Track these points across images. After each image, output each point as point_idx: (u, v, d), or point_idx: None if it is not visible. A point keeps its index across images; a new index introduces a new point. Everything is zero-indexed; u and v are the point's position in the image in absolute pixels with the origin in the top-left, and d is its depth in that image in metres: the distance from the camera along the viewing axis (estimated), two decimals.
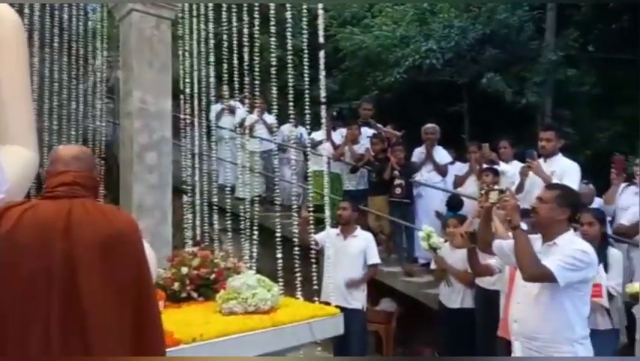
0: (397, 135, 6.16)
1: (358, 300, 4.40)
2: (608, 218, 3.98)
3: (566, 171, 3.90)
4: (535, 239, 2.62)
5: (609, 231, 3.83)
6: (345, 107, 9.39)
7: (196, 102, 4.06)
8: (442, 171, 5.82)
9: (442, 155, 5.97)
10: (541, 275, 2.47)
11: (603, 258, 3.34)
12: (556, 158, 4.09)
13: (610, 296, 3.34)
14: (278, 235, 3.28)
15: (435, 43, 8.46)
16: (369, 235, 4.59)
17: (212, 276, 3.03)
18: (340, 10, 10.39)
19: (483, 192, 2.80)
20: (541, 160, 4.07)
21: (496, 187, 2.83)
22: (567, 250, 2.49)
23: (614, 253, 3.55)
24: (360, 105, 6.99)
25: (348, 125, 6.23)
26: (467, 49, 8.58)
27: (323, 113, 3.16)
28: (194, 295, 2.98)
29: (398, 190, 5.38)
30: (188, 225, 3.83)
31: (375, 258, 4.47)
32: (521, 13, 8.62)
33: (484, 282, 3.91)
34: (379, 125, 6.32)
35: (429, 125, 6.13)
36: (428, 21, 9.18)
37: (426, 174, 5.81)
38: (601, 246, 3.32)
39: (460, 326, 4.20)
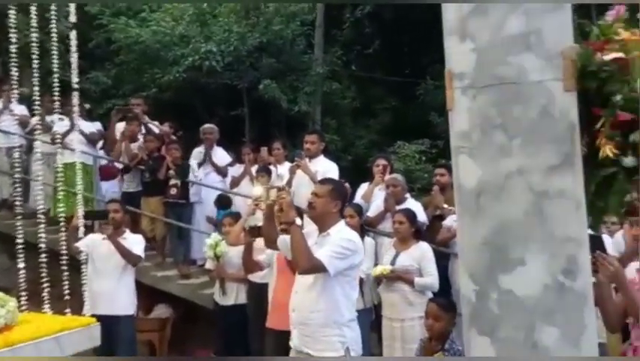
0: (170, 133, 6.00)
1: (125, 307, 4.15)
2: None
3: (327, 170, 4.43)
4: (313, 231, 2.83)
5: None
6: (120, 103, 8.78)
7: None
8: (221, 171, 5.94)
9: (220, 156, 6.08)
10: (313, 267, 2.64)
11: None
12: (319, 159, 4.62)
13: (360, 279, 3.88)
14: (20, 241, 2.84)
15: (215, 46, 8.58)
16: (138, 237, 4.38)
17: None
18: None
19: (264, 191, 2.87)
20: (307, 160, 4.54)
21: (275, 185, 2.93)
22: (336, 240, 2.70)
23: (368, 241, 4.17)
24: (129, 102, 6.66)
25: (127, 122, 5.84)
26: (246, 55, 8.93)
27: (75, 100, 2.90)
28: None
29: (174, 191, 5.25)
30: None
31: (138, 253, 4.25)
32: (294, 27, 9.36)
33: (255, 276, 4.12)
34: (155, 123, 6.09)
35: (207, 125, 6.18)
36: (208, 23, 9.25)
37: (204, 175, 5.84)
38: (359, 235, 3.84)
39: (234, 322, 4.32)
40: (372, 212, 4.56)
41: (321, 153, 4.64)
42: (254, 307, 4.17)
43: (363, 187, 4.83)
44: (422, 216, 4.35)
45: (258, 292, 4.08)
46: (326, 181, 3.17)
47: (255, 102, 9.28)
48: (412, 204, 4.46)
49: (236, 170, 6.00)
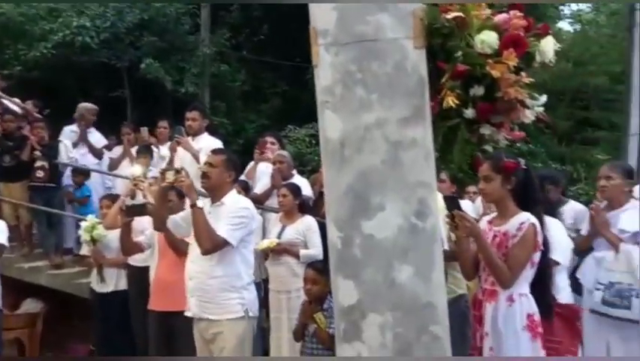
0: (33, 111, 5.45)
1: None
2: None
3: (211, 148, 4.33)
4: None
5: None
6: None
7: None
8: (96, 153, 5.54)
9: (96, 137, 5.68)
10: (217, 246, 2.71)
11: None
12: (203, 136, 4.50)
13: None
14: None
15: (88, 21, 7.94)
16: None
17: None
18: None
19: (159, 172, 2.86)
20: (189, 138, 4.40)
21: (173, 167, 2.90)
22: (232, 210, 2.78)
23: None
24: None
25: None
26: (125, 32, 8.39)
27: None
28: None
29: (40, 173, 4.77)
30: None
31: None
32: (178, 5, 8.98)
33: (135, 260, 3.94)
34: (15, 100, 5.47)
35: (84, 104, 5.74)
36: None
37: (80, 157, 5.42)
38: None
39: (114, 309, 4.10)
40: (259, 189, 4.57)
41: (204, 130, 4.53)
42: (135, 291, 3.98)
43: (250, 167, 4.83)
44: (307, 191, 4.45)
45: (139, 276, 3.90)
46: (219, 151, 3.20)
47: (138, 83, 8.78)
48: (298, 180, 4.55)
49: (117, 153, 5.66)
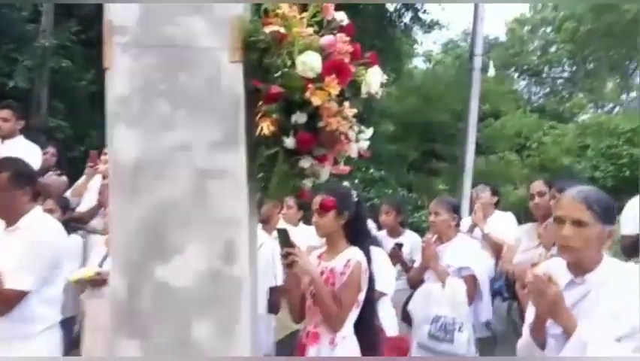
0: None
1: None
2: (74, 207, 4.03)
3: (25, 154, 3.63)
4: None
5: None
6: None
7: None
8: None
9: None
10: (9, 303, 2.15)
11: None
12: (17, 140, 3.79)
13: None
14: None
15: None
16: None
17: None
18: None
19: None
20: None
21: None
22: (28, 240, 2.19)
23: (75, 240, 3.59)
24: None
25: None
26: None
27: None
28: None
29: None
30: None
31: None
32: None
33: None
34: None
35: None
36: None
37: None
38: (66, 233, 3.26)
39: None
40: (84, 206, 3.97)
41: (18, 132, 3.81)
42: None
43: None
44: None
45: None
46: (5, 163, 2.53)
47: None
48: None
49: None
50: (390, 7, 9.80)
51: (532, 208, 3.20)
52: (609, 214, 1.65)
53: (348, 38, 1.44)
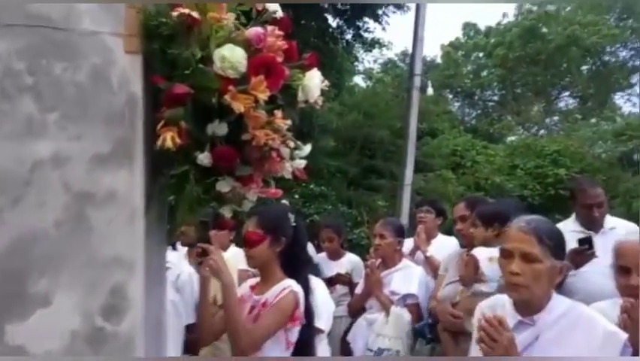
0: None
1: None
2: None
3: None
4: None
5: None
6: None
7: None
8: None
9: None
10: None
11: None
12: None
13: None
14: None
15: None
16: None
17: None
18: None
19: None
20: None
21: None
22: None
23: None
24: None
25: None
26: None
27: None
28: None
29: None
30: None
31: None
32: None
33: None
34: None
35: None
36: None
37: None
38: None
39: None
40: None
41: None
42: None
43: None
44: None
45: None
46: None
47: None
48: None
49: None
50: (333, 23, 9.72)
51: (456, 234, 2.91)
52: (561, 248, 1.49)
53: (282, 33, 1.16)
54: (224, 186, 1.10)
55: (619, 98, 21.52)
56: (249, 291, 1.96)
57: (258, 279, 2.00)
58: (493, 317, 1.41)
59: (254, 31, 1.10)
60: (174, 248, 2.85)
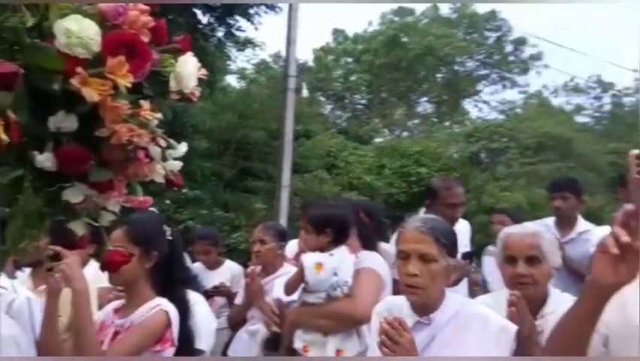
0: None
1: None
2: None
3: None
4: None
5: None
6: None
7: None
8: None
9: None
10: None
11: None
12: None
13: None
14: None
15: None
16: None
17: None
18: None
19: None
20: None
21: None
22: None
23: None
24: None
25: None
26: None
27: None
28: None
29: None
30: None
31: None
32: None
33: None
34: None
35: None
36: None
37: None
38: None
39: None
40: None
41: None
42: None
43: None
44: None
45: None
46: None
47: None
48: None
49: None
50: (203, 19, 9.34)
51: None
52: (454, 246, 1.52)
53: (147, 8, 0.96)
54: (73, 195, 0.87)
55: (467, 104, 24.16)
56: (112, 315, 1.70)
57: (122, 301, 1.74)
58: (394, 318, 1.38)
59: (112, 5, 0.88)
60: (19, 269, 2.41)
